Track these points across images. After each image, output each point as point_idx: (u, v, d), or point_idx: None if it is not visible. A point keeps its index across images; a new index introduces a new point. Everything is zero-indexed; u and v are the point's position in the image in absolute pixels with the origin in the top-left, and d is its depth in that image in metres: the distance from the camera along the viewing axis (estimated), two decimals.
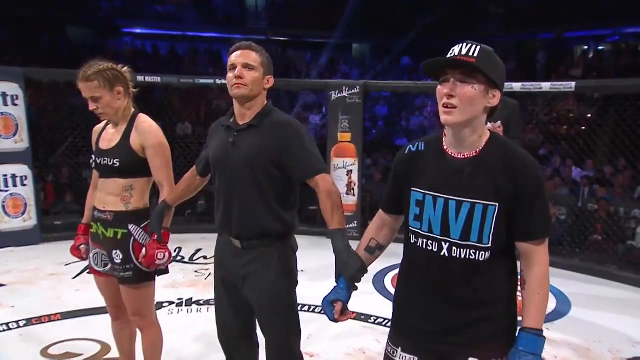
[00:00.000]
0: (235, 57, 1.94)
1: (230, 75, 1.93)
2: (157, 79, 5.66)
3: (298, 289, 2.04)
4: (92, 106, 2.19)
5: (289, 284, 2.00)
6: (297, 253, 2.05)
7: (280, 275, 1.98)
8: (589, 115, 9.24)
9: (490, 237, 1.42)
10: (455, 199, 1.45)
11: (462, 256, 1.46)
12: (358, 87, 5.68)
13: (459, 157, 1.47)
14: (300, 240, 2.05)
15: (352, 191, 5.81)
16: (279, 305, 1.98)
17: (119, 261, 2.23)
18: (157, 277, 2.31)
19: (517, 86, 4.93)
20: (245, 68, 1.92)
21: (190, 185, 2.21)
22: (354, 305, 1.70)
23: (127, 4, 15.58)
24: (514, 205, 1.41)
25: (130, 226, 2.22)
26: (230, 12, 16.75)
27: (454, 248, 1.46)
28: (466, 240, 1.45)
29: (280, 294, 1.98)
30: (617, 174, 7.50)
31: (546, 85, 4.78)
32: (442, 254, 1.48)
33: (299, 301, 2.06)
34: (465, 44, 1.42)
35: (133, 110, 2.29)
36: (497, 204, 1.41)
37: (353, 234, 5.70)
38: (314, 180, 1.89)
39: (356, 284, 1.66)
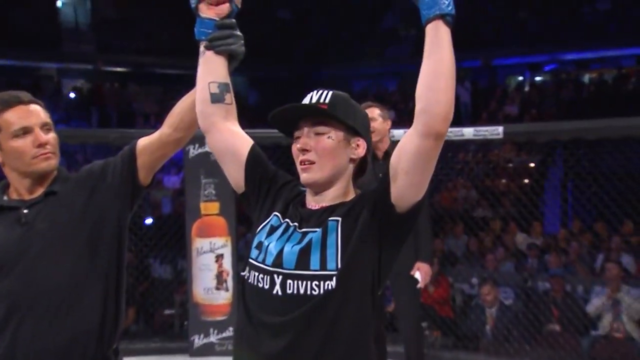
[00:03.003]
0: (27, 115, 1.92)
1: (25, 142, 1.91)
2: None
3: None
4: None
5: None
6: None
7: None
8: (532, 165, 9.92)
9: (338, 258, 1.57)
10: (301, 231, 1.65)
11: (301, 291, 1.57)
12: None
13: (316, 207, 1.71)
14: None
15: (223, 284, 5.66)
16: None
17: None
18: None
19: None
20: (44, 129, 1.95)
21: None
22: None
23: None
24: (365, 210, 1.62)
25: None
26: (36, 30, 16.09)
27: (288, 282, 1.59)
28: (304, 268, 1.58)
29: None
30: (571, 238, 8.03)
31: (469, 132, 5.03)
32: (274, 292, 1.60)
33: None
34: (315, 92, 1.69)
35: None
36: (338, 219, 1.63)
37: (227, 346, 5.51)
38: (150, 138, 2.03)
39: None
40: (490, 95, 15.59)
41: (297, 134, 1.70)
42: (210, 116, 1.76)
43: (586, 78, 16.44)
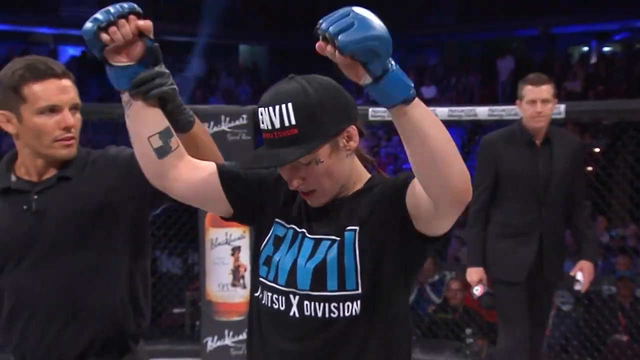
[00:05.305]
0: (59, 92, 1.92)
1: (50, 122, 1.92)
2: None
3: None
4: None
5: None
6: None
7: None
8: (597, 150, 9.83)
9: (358, 278, 1.58)
10: (314, 238, 1.66)
11: (319, 314, 1.60)
12: (246, 116, 5.68)
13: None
14: None
15: (240, 280, 5.71)
16: None
17: None
18: None
19: (482, 111, 5.13)
20: (72, 110, 1.96)
21: None
22: None
23: None
24: (384, 221, 1.59)
25: None
26: None
27: (305, 303, 1.61)
28: (321, 289, 1.60)
29: None
30: None
31: None
32: (291, 313, 1.63)
33: None
34: (272, 109, 1.57)
35: None
36: (355, 228, 1.62)
37: (243, 350, 5.56)
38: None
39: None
40: (548, 69, 15.41)
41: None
42: (165, 173, 1.72)
43: None
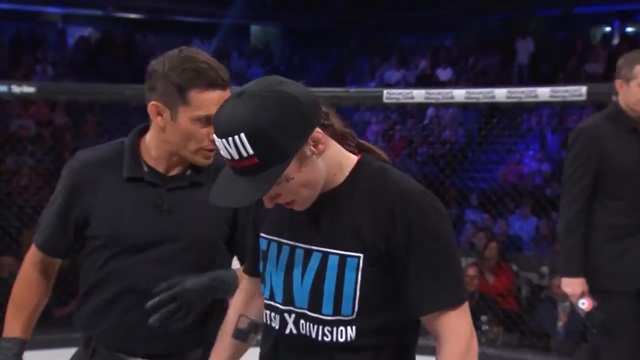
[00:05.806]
0: (218, 102, 1.82)
1: (202, 130, 1.96)
2: None
3: None
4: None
5: None
6: None
7: None
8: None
9: (355, 304, 1.55)
10: (303, 247, 1.61)
11: (313, 335, 1.58)
12: None
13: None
14: None
15: None
16: None
17: None
18: None
19: (500, 94, 5.11)
20: None
21: (40, 285, 2.19)
22: None
23: None
24: (390, 259, 1.55)
25: None
26: None
27: (301, 322, 1.60)
28: (316, 310, 1.58)
29: None
30: None
31: (544, 92, 4.96)
32: (286, 332, 1.62)
33: None
34: (226, 141, 1.48)
35: None
36: (360, 255, 1.55)
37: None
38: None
39: None
40: (569, 50, 15.31)
41: None
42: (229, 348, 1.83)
43: None
